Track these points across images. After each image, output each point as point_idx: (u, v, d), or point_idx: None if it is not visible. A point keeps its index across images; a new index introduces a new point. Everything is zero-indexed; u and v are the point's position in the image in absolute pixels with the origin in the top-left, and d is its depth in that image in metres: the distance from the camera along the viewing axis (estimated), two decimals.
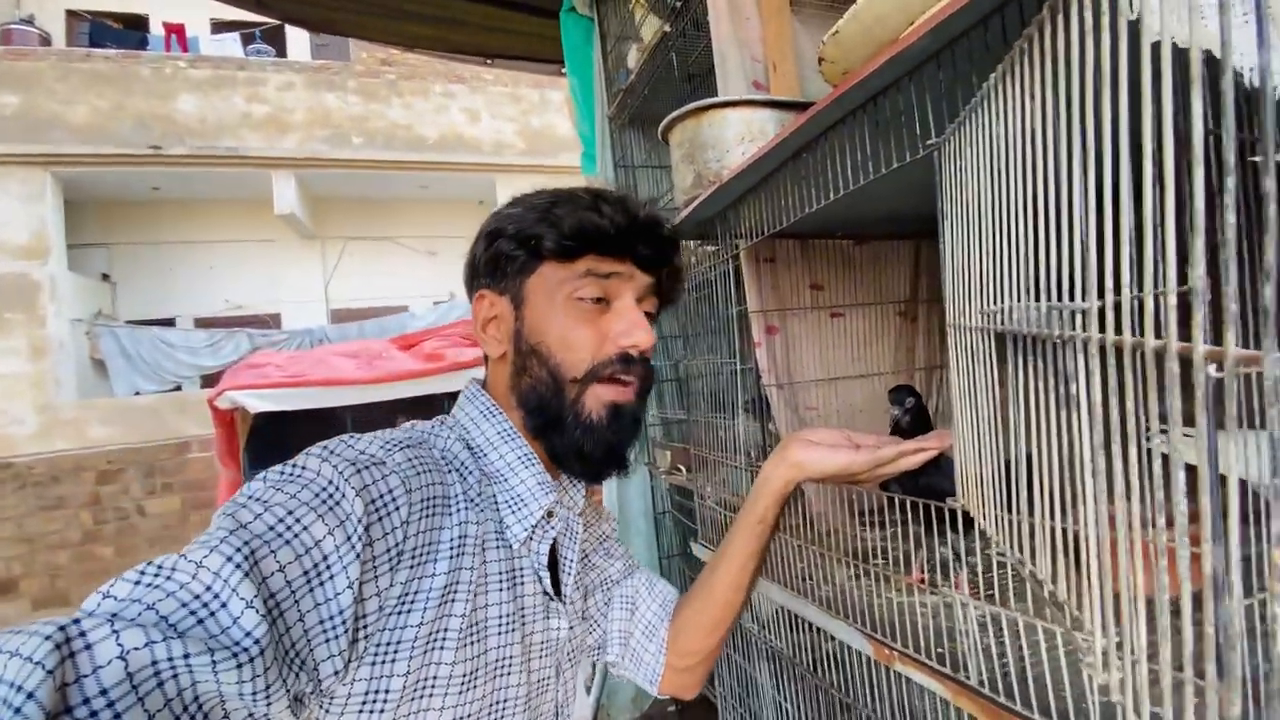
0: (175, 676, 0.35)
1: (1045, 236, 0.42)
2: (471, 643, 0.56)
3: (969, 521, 0.66)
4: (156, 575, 0.39)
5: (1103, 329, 0.30)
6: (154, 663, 0.35)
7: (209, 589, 0.39)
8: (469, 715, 0.55)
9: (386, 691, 0.50)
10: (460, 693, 0.54)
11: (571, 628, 0.69)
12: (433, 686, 0.53)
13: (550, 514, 0.65)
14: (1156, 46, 0.33)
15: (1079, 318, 0.33)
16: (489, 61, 2.61)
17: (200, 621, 0.38)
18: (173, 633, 0.36)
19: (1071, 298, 0.36)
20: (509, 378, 0.65)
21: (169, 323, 6.82)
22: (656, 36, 1.51)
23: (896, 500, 0.74)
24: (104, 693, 0.33)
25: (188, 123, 6.15)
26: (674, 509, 1.90)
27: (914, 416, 0.76)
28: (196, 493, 5.32)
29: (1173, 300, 0.29)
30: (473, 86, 7.14)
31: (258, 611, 0.40)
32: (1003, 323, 0.43)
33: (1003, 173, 0.45)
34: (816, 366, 1.24)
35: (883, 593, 0.85)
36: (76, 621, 0.34)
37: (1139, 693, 0.31)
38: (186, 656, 0.36)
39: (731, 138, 0.91)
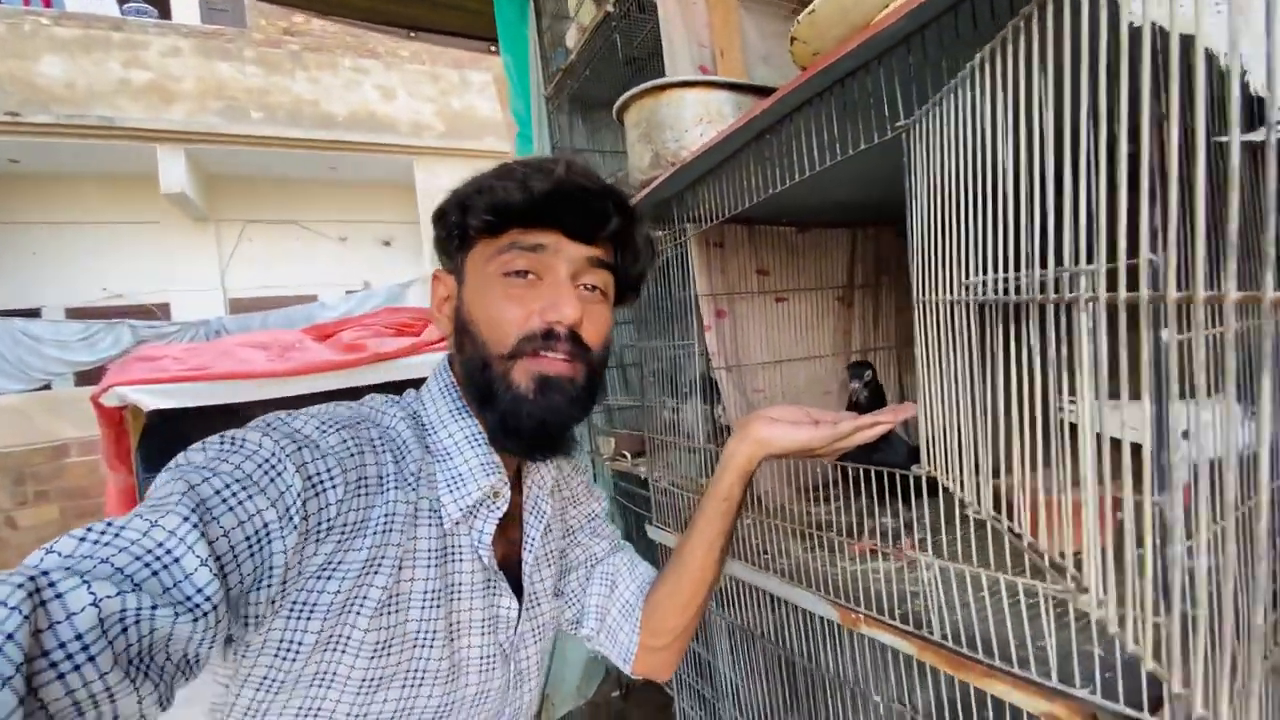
0: (138, 623, 0.38)
1: (1019, 213, 0.44)
2: (390, 612, 0.57)
3: (917, 493, 0.70)
4: (104, 533, 0.41)
5: (1112, 288, 0.32)
6: (122, 611, 0.37)
7: (161, 545, 0.41)
8: (382, 678, 0.57)
9: (299, 645, 0.53)
10: (373, 656, 0.56)
11: (529, 607, 0.69)
12: (346, 645, 0.55)
13: (496, 494, 0.64)
14: (1136, 31, 0.36)
15: (1083, 280, 0.36)
16: (412, 34, 2.48)
17: (155, 574, 0.40)
18: (129, 585, 0.39)
19: (1059, 264, 0.38)
20: (456, 354, 0.66)
21: (33, 313, 6.05)
22: (599, 17, 1.48)
23: (848, 471, 0.78)
24: (79, 637, 0.35)
25: (52, 88, 5.46)
26: (619, 495, 1.90)
27: (871, 390, 0.80)
28: (78, 501, 4.76)
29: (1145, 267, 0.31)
30: (387, 63, 6.77)
31: (210, 570, 0.42)
32: (984, 294, 0.46)
33: (979, 153, 0.48)
34: (763, 349, 1.27)
35: (838, 562, 0.88)
36: (46, 574, 0.36)
37: (1140, 630, 0.34)
38: (154, 607, 0.39)
39: (689, 118, 0.91)
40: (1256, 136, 0.32)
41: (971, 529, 0.89)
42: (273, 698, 0.54)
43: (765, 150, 0.78)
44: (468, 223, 0.62)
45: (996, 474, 0.54)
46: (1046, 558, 0.42)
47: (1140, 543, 0.40)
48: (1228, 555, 0.35)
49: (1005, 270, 0.43)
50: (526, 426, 0.61)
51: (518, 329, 0.61)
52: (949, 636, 0.59)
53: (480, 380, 0.62)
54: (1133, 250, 0.34)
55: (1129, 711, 0.45)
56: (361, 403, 0.66)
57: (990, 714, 0.57)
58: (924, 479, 0.63)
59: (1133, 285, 0.34)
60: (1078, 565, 0.39)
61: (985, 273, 0.45)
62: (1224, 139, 0.35)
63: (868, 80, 0.62)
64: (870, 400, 0.79)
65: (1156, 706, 0.45)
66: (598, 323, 0.65)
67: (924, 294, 0.59)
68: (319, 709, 0.55)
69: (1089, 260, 0.35)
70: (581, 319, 0.62)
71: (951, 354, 0.52)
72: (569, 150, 1.93)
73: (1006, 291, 0.44)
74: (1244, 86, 0.33)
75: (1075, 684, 0.48)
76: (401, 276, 6.98)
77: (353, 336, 2.93)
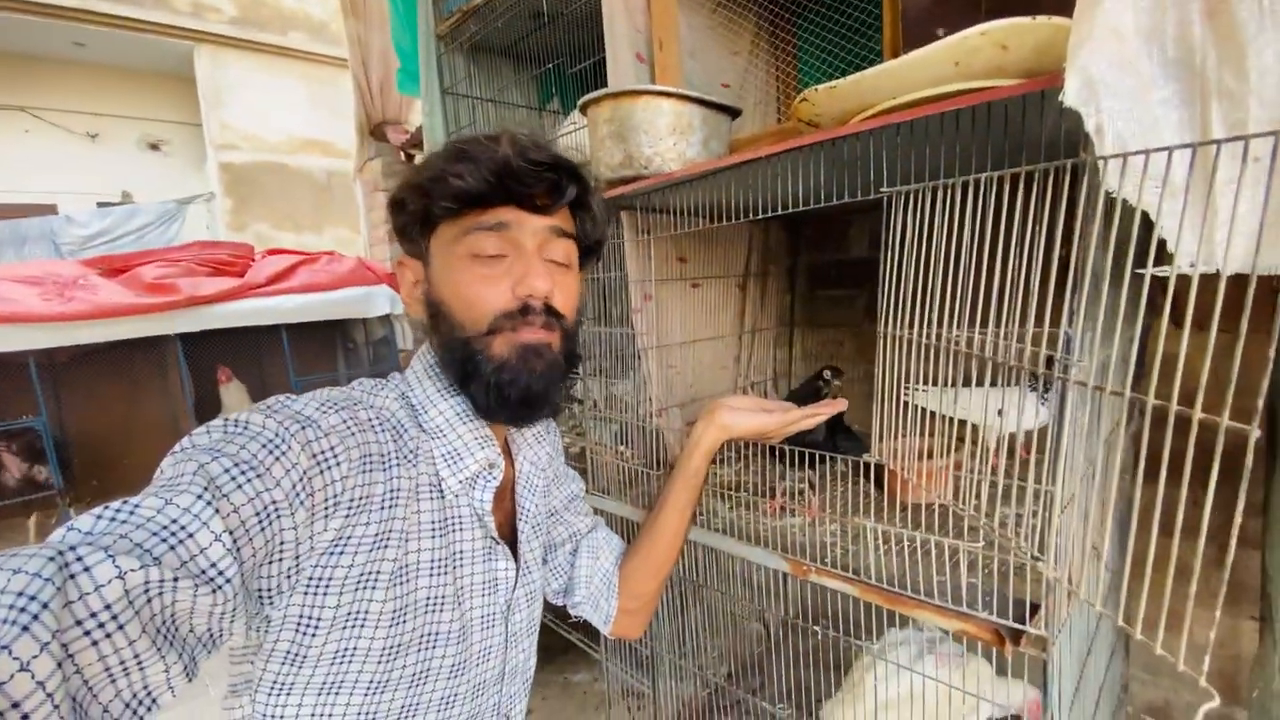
0: (161, 594, 0.40)
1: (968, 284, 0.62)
2: (401, 583, 0.61)
3: (821, 460, 0.92)
4: (120, 511, 0.43)
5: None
6: (146, 583, 0.40)
7: (176, 521, 0.43)
8: (401, 645, 0.61)
9: (318, 620, 0.56)
10: (391, 625, 0.60)
11: (522, 572, 0.76)
12: (364, 618, 0.58)
13: (492, 465, 0.70)
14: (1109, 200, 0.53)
15: (1015, 346, 0.54)
16: None
17: (172, 549, 0.42)
18: (149, 558, 0.40)
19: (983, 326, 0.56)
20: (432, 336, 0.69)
21: None
22: None
23: (775, 448, 0.96)
24: (108, 607, 0.37)
25: None
26: None
27: (817, 389, 0.99)
28: None
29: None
30: None
31: (224, 545, 0.45)
32: (931, 339, 0.64)
33: (949, 239, 0.64)
34: (680, 330, 1.40)
35: (760, 520, 1.08)
36: (73, 548, 0.38)
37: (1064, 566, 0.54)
38: (175, 580, 0.41)
39: (664, 126, 0.97)
40: (1163, 271, 0.52)
41: (850, 486, 1.14)
42: (297, 671, 0.57)
43: (749, 177, 0.88)
44: (428, 209, 0.64)
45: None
46: (984, 524, 0.63)
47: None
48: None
49: (942, 325, 0.62)
50: (512, 395, 0.64)
51: (493, 308, 0.63)
52: (883, 581, 0.80)
53: (460, 358, 0.65)
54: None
55: (1014, 624, 0.68)
56: (350, 387, 0.69)
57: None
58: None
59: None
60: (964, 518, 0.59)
61: (932, 323, 0.63)
62: (1143, 271, 0.54)
63: (857, 145, 0.76)
64: (817, 395, 0.99)
65: (1027, 617, 0.69)
66: (568, 291, 0.68)
67: (888, 328, 0.75)
68: (342, 681, 0.58)
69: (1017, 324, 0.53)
70: (553, 290, 0.65)
71: (896, 374, 0.70)
72: (435, 104, 1.82)
73: (937, 339, 0.62)
74: (1162, 241, 0.52)
75: (978, 608, 0.71)
76: (176, 190, 5.83)
77: (157, 274, 2.45)
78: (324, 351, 3.50)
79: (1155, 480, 0.48)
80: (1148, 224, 0.53)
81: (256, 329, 2.69)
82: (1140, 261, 0.57)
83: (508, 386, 0.64)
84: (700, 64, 1.42)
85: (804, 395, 1.07)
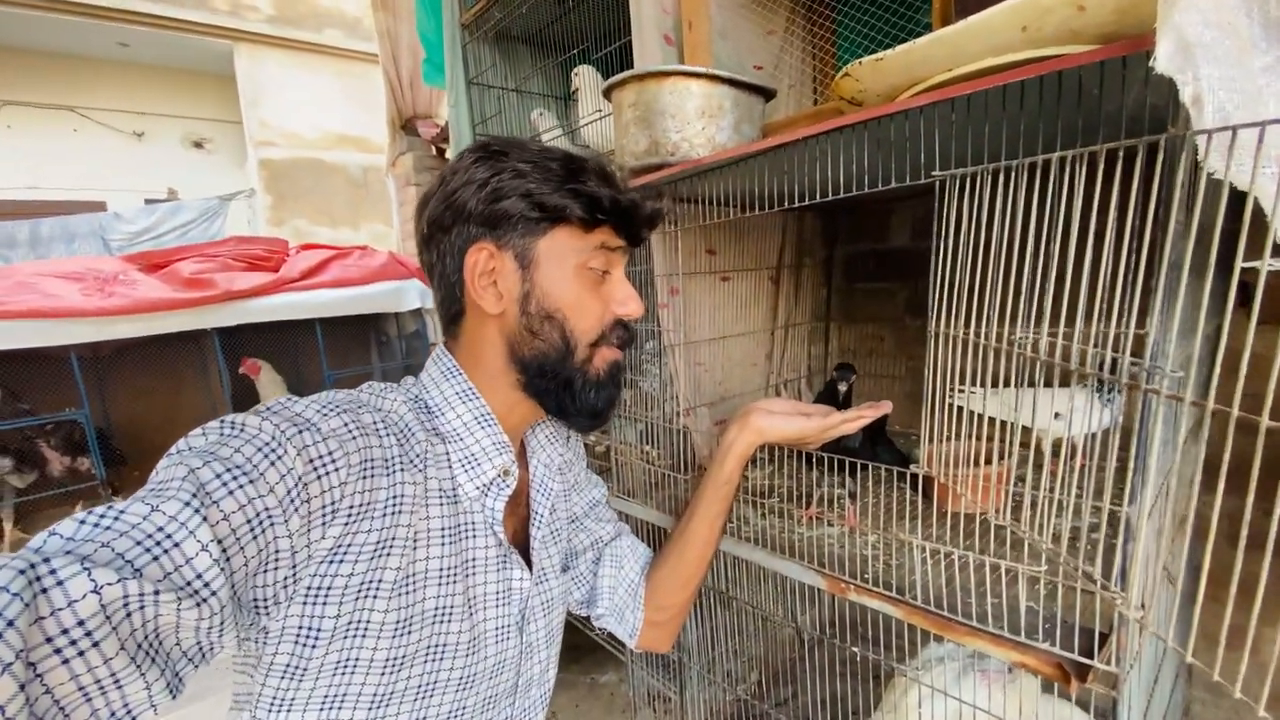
0: (142, 609, 0.39)
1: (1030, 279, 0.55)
2: (406, 592, 0.59)
3: (861, 466, 0.85)
4: (104, 517, 0.41)
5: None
6: (125, 597, 0.38)
7: (162, 529, 0.41)
8: (405, 656, 0.59)
9: (318, 631, 0.54)
10: (394, 636, 0.58)
11: (537, 580, 0.73)
12: (366, 628, 0.56)
13: (506, 472, 0.68)
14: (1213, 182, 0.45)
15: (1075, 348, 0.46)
16: None
17: (155, 559, 0.40)
18: (130, 570, 0.39)
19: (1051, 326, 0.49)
20: (507, 336, 0.66)
21: None
22: None
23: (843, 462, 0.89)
24: (81, 624, 0.36)
25: None
26: None
27: (850, 386, 0.92)
28: None
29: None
30: None
31: (211, 555, 0.43)
32: (988, 340, 0.57)
33: (1011, 228, 0.57)
34: (708, 325, 1.34)
35: (794, 529, 1.02)
36: (47, 560, 0.36)
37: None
38: (156, 593, 0.39)
39: (692, 110, 0.91)
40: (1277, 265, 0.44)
41: (891, 493, 1.07)
42: (297, 685, 0.55)
43: (785, 163, 0.82)
44: (567, 213, 0.63)
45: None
46: (1039, 540, 0.56)
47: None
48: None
49: (1002, 324, 0.54)
50: (601, 408, 0.69)
51: (603, 322, 0.68)
52: (930, 601, 0.73)
53: (561, 365, 0.66)
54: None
55: (1080, 659, 0.61)
56: (359, 389, 0.67)
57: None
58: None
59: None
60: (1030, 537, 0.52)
61: (985, 323, 0.56)
62: (1254, 264, 0.47)
63: (905, 124, 0.68)
64: (835, 398, 0.92)
65: (1095, 649, 0.61)
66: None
67: (939, 327, 0.68)
68: (344, 695, 0.56)
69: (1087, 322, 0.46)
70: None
71: (949, 375, 0.63)
72: (460, 96, 1.78)
73: (998, 339, 0.55)
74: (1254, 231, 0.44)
75: (1039, 638, 0.64)
76: (219, 187, 5.97)
77: (194, 269, 2.49)
78: (357, 345, 3.54)
79: (1214, 489, 0.42)
80: (1233, 210, 0.45)
81: (292, 323, 2.71)
82: (1225, 253, 0.50)
83: (601, 400, 0.68)
84: (731, 45, 1.35)
85: (826, 400, 1.00)
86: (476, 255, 0.64)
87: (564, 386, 0.67)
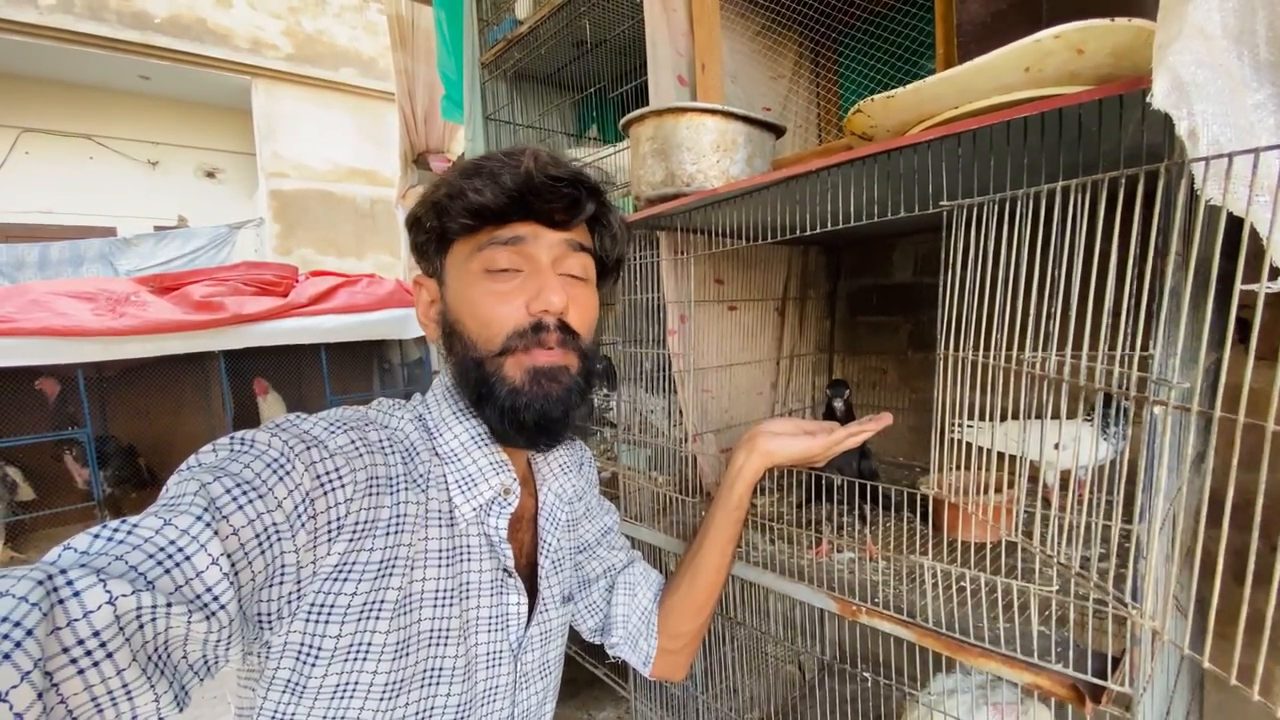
0: (154, 621, 0.39)
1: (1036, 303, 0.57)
2: (405, 613, 0.58)
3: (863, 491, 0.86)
4: (117, 531, 0.42)
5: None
6: (138, 609, 0.38)
7: (174, 543, 0.42)
8: (404, 680, 0.58)
9: (319, 650, 0.54)
10: (394, 659, 0.57)
11: (538, 610, 0.72)
12: (367, 651, 0.56)
13: (507, 491, 0.67)
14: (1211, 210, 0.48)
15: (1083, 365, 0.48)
16: None
17: (167, 572, 0.41)
18: (143, 582, 0.39)
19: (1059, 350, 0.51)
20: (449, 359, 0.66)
21: None
22: None
23: (854, 485, 0.90)
24: (96, 634, 0.36)
25: None
26: None
27: (846, 402, 0.94)
28: None
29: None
30: None
31: (221, 569, 0.44)
32: (996, 360, 0.59)
33: (1014, 256, 0.60)
34: (715, 353, 1.37)
35: (803, 554, 1.02)
36: (64, 572, 0.37)
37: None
38: (169, 605, 0.40)
39: (708, 144, 0.95)
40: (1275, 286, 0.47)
41: (898, 521, 1.08)
42: (297, 701, 0.55)
43: (796, 193, 0.86)
44: (445, 226, 0.62)
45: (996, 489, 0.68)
46: (1066, 558, 0.57)
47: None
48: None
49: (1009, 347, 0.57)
50: (527, 419, 0.62)
51: (506, 326, 0.61)
52: (942, 625, 0.73)
53: (474, 379, 0.62)
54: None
55: (1094, 680, 0.61)
56: (370, 405, 0.67)
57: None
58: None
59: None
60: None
61: (992, 345, 0.58)
62: (1252, 287, 0.49)
63: (914, 158, 0.72)
64: (845, 410, 0.95)
65: (1109, 670, 0.62)
66: (584, 308, 0.66)
67: (947, 350, 0.71)
68: (343, 719, 0.56)
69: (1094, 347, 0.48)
70: (568, 306, 0.62)
71: (959, 396, 0.65)
72: (478, 131, 1.85)
73: (1008, 360, 0.57)
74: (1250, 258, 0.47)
75: (1051, 660, 0.64)
76: (228, 216, 6.07)
77: (206, 292, 2.52)
78: (360, 371, 3.56)
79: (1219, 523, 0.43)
80: (1230, 240, 0.48)
81: (297, 347, 2.75)
82: (1223, 281, 0.52)
83: (523, 411, 0.62)
84: (741, 87, 1.42)
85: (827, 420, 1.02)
86: (417, 290, 0.69)
87: (484, 399, 0.63)
